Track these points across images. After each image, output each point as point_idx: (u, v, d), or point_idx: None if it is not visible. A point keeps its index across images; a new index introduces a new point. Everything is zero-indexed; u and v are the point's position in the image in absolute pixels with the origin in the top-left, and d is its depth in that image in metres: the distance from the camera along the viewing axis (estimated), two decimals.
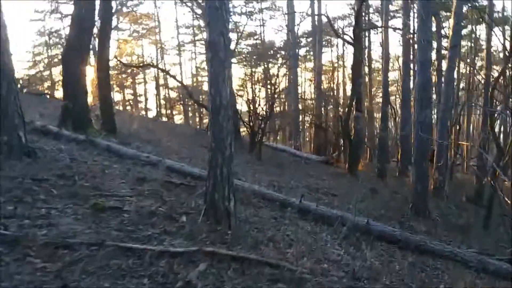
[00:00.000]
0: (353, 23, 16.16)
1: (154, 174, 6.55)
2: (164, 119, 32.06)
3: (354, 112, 14.06)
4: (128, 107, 38.07)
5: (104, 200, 4.82)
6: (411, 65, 17.78)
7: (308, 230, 6.03)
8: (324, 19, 25.68)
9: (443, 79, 14.14)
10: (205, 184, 4.97)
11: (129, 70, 36.23)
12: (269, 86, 15.36)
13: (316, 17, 25.48)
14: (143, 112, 35.94)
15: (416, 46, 17.88)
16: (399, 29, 16.25)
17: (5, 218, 3.71)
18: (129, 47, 35.22)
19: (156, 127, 14.96)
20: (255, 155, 12.59)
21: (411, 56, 17.63)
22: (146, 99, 39.23)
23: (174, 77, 18.44)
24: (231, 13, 26.64)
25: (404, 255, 6.16)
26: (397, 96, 31.20)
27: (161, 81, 35.93)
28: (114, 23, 29.67)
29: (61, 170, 5.51)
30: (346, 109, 14.91)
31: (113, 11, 29.16)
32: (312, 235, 5.83)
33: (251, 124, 13.82)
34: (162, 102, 36.16)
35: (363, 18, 17.84)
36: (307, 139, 34.65)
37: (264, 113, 13.33)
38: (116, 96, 39.05)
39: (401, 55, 17.67)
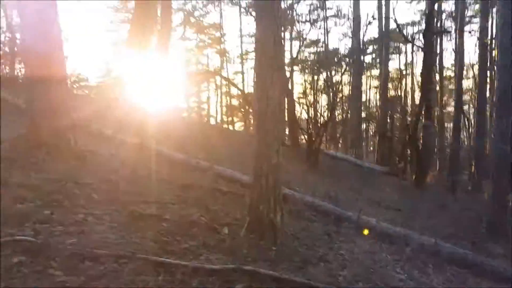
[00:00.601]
0: (423, 28, 15.05)
1: (201, 181, 6.28)
2: (226, 126, 32.41)
3: (423, 120, 13.00)
4: (193, 114, 39.06)
5: (144, 207, 4.60)
6: (488, 72, 16.27)
7: (366, 249, 5.39)
8: (392, 24, 24.65)
9: None
10: (250, 194, 4.57)
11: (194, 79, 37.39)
12: (330, 93, 14.77)
13: (383, 22, 24.36)
14: (205, 119, 36.64)
15: (493, 52, 16.39)
16: (475, 31, 14.85)
17: (38, 223, 3.57)
18: (194, 55, 36.19)
19: (213, 133, 14.91)
20: (312, 164, 12.00)
21: (488, 63, 16.12)
22: (209, 108, 40.08)
23: (233, 83, 18.38)
24: (296, 21, 26.34)
25: (479, 282, 5.31)
26: (471, 105, 28.95)
27: (224, 89, 36.49)
28: (180, 32, 30.92)
29: (107, 174, 5.41)
30: (414, 117, 13.83)
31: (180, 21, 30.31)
32: (370, 255, 5.19)
33: (309, 131, 13.25)
34: (224, 109, 36.70)
35: (435, 22, 16.53)
36: (371, 148, 33.23)
37: (323, 119, 12.70)
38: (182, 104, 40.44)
39: (476, 62, 16.22)
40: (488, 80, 15.45)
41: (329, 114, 12.70)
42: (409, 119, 19.73)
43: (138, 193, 5.08)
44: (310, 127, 13.51)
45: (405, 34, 22.79)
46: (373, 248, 5.50)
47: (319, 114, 13.49)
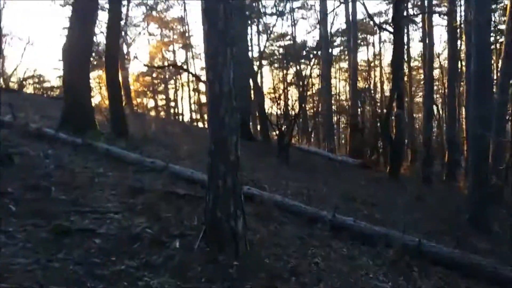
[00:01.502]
0: (392, 15, 14.61)
1: (155, 183, 5.46)
2: (196, 123, 31.44)
3: (395, 109, 12.54)
4: (162, 113, 37.70)
5: (76, 220, 3.76)
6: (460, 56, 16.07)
7: (343, 253, 4.75)
8: (360, 15, 24.34)
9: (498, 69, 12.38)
10: (205, 199, 3.81)
11: (161, 76, 36.09)
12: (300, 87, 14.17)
13: (350, 12, 24.02)
14: (175, 118, 35.45)
15: (462, 36, 16.20)
16: (444, 14, 14.52)
17: None
18: (158, 51, 34.89)
19: (181, 131, 14.00)
20: (283, 159, 11.33)
21: (458, 46, 15.91)
22: (177, 105, 38.86)
23: (197, 76, 17.49)
24: (262, 13, 25.61)
25: (470, 286, 4.76)
26: (438, 95, 29.09)
27: (192, 86, 35.34)
28: (143, 27, 29.63)
29: (36, 180, 4.52)
30: (386, 107, 13.37)
31: (142, 14, 29.04)
32: (348, 261, 4.54)
33: (279, 125, 12.57)
34: (194, 106, 35.58)
35: (403, 6, 16.09)
36: (343, 141, 32.99)
37: (293, 113, 12.04)
38: (150, 103, 38.98)
39: (442, 51, 15.99)
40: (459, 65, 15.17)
41: (298, 108, 12.00)
42: (379, 111, 19.43)
43: (73, 201, 4.23)
44: (280, 121, 12.82)
45: (373, 18, 22.35)
46: (352, 252, 4.85)
47: (289, 108, 12.65)
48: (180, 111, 39.01)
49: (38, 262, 2.86)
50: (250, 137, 16.03)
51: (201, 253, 3.51)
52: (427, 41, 16.04)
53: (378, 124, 17.81)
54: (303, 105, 13.51)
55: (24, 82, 17.67)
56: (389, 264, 4.64)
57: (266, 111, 16.68)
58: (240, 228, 3.69)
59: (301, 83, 14.62)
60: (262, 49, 27.51)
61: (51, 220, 3.57)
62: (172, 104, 38.70)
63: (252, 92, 18.42)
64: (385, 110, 14.72)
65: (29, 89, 20.96)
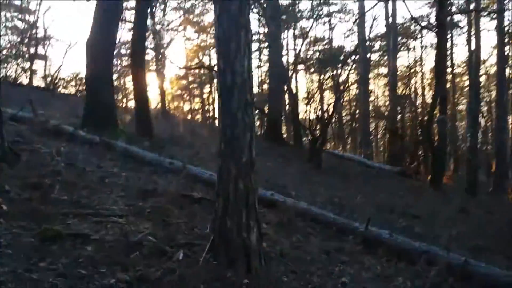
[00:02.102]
0: (436, 12, 13.66)
1: (170, 186, 5.05)
2: None
3: (438, 114, 11.64)
4: (198, 116, 37.81)
5: (72, 223, 3.39)
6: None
7: (376, 272, 4.12)
8: (399, 19, 23.31)
9: None
10: (214, 206, 3.33)
11: (198, 80, 36.24)
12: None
13: (390, 15, 23.06)
14: (209, 121, 35.43)
15: None
16: (494, 12, 13.40)
17: None
18: (195, 55, 35.06)
19: (208, 133, 13.69)
20: (314, 165, 10.72)
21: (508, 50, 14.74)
22: (212, 108, 38.91)
23: None
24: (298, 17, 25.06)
25: None
26: (483, 102, 27.38)
27: None
28: (179, 30, 29.79)
29: (39, 178, 4.20)
30: (429, 110, 12.44)
31: (179, 17, 29.17)
32: (382, 281, 3.93)
33: (311, 129, 11.97)
34: None
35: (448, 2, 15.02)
36: (381, 148, 31.75)
37: (326, 115, 11.41)
38: (186, 106, 39.21)
39: (488, 57, 14.80)
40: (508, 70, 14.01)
41: (332, 110, 11.36)
42: (420, 117, 18.34)
43: (75, 202, 3.87)
44: (314, 125, 12.22)
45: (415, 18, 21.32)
46: (387, 271, 4.22)
47: (323, 112, 12.02)
48: (215, 115, 39.06)
49: (14, 272, 2.48)
50: (282, 142, 15.52)
51: (207, 267, 3.03)
52: (473, 44, 14.94)
53: (419, 130, 16.83)
54: (337, 108, 12.80)
55: (58, 81, 17.93)
56: (430, 286, 3.98)
57: (301, 116, 16.15)
58: (253, 240, 3.18)
59: (335, 85, 13.96)
60: (297, 53, 26.98)
61: (43, 222, 3.20)
62: (207, 107, 38.86)
63: (285, 95, 17.96)
64: (426, 116, 13.76)
65: (69, 90, 21.30)
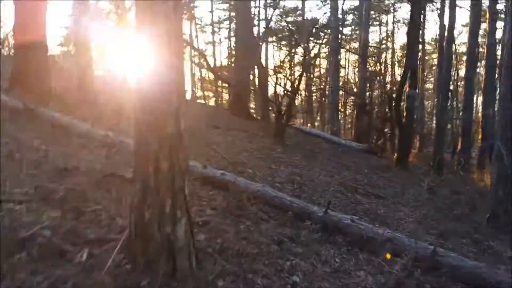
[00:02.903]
0: None
1: (98, 163, 4.28)
2: (201, 101, 30.14)
3: (408, 89, 11.18)
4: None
5: None
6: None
7: (334, 266, 3.57)
8: None
9: None
10: (131, 193, 2.62)
11: None
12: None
13: None
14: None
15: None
16: None
17: None
18: None
19: None
20: (278, 140, 10.11)
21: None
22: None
23: (201, 52, 16.10)
24: None
25: None
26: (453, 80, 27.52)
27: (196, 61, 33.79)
28: None
29: None
30: (398, 85, 11.96)
31: None
32: (342, 276, 3.38)
33: (277, 103, 11.28)
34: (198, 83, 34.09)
35: None
36: (349, 126, 31.61)
37: (292, 89, 10.72)
38: None
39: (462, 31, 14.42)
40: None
41: (298, 83, 10.67)
42: (388, 94, 17.98)
43: None
44: (279, 98, 11.53)
45: None
46: (346, 264, 3.68)
47: (290, 86, 11.29)
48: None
49: None
50: (248, 116, 14.82)
51: (116, 272, 2.35)
52: (446, 18, 14.49)
53: (387, 107, 16.50)
54: (302, 81, 12.13)
55: None
56: (396, 283, 3.47)
57: (271, 91, 15.38)
58: (180, 235, 2.51)
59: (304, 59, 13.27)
60: (268, 23, 25.96)
61: None
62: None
63: (254, 68, 17.14)
64: (395, 91, 13.33)
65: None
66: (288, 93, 10.75)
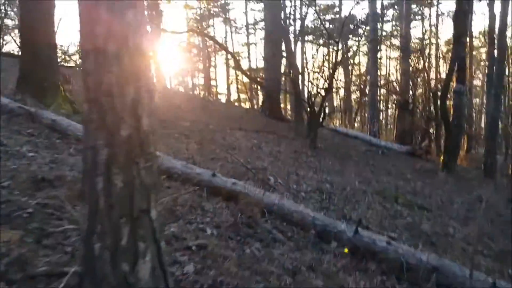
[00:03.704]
0: None
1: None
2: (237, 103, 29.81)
3: (455, 84, 10.04)
4: (201, 92, 36.19)
5: None
6: None
7: None
8: None
9: None
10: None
11: (201, 54, 34.53)
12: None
13: None
14: (216, 97, 33.86)
15: None
16: None
17: None
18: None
19: (193, 107, 12.26)
20: (310, 143, 9.32)
21: None
22: (217, 83, 37.36)
23: (225, 48, 15.60)
24: None
25: None
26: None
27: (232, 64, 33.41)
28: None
29: None
30: (444, 80, 10.80)
31: None
32: None
33: (310, 102, 10.48)
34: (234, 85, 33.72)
35: None
36: (391, 126, 30.07)
37: (323, 86, 9.89)
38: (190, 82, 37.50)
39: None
40: None
41: (330, 80, 9.82)
42: (433, 91, 16.64)
43: None
44: (312, 97, 10.72)
45: None
46: None
47: (326, 84, 10.42)
48: (219, 91, 37.55)
49: None
50: (280, 117, 14.12)
51: None
52: (497, 9, 13.09)
53: (432, 105, 15.27)
54: (341, 80, 11.20)
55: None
56: None
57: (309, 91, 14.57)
58: (143, 276, 1.84)
59: (336, 55, 12.31)
60: (303, 21, 25.17)
61: None
62: (213, 83, 37.14)
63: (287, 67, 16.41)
64: (440, 87, 12.15)
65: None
66: (321, 91, 9.93)
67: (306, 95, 12.72)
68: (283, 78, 16.81)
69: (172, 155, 5.01)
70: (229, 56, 24.96)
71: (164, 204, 3.38)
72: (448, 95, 11.45)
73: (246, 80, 28.12)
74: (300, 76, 18.72)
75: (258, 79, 16.14)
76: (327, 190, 5.63)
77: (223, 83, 37.10)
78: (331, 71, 9.84)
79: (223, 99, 33.49)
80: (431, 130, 16.44)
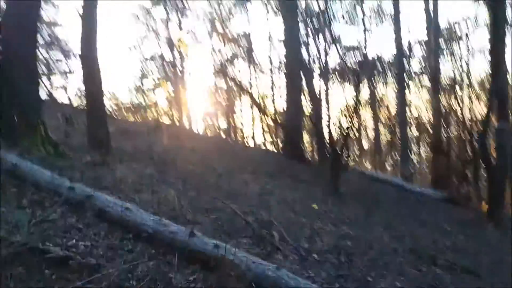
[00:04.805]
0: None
1: (34, 228, 2.89)
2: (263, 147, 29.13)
3: (496, 122, 8.87)
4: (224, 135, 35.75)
5: None
6: None
7: None
8: (443, 23, 20.78)
9: None
10: None
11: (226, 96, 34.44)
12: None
13: (432, 18, 20.34)
14: (240, 139, 33.26)
15: None
16: None
17: None
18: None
19: (213, 149, 11.53)
20: (332, 188, 8.27)
21: None
22: (242, 126, 36.88)
23: (246, 91, 15.03)
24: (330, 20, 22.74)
25: None
26: None
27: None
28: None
29: None
30: (484, 118, 9.60)
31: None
32: None
33: (332, 143, 9.50)
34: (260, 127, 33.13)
35: None
36: (425, 169, 28.32)
37: (346, 125, 8.93)
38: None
39: None
40: None
41: (351, 118, 8.87)
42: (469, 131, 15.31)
43: None
44: (334, 138, 9.74)
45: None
46: None
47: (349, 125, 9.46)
48: (246, 134, 37.00)
49: None
50: (301, 159, 13.13)
51: None
52: None
53: (469, 146, 13.93)
54: (357, 117, 10.24)
55: None
56: None
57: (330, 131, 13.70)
58: None
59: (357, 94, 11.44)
60: (325, 59, 24.63)
61: None
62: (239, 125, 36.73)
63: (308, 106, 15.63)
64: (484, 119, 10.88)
65: None
66: (343, 130, 8.98)
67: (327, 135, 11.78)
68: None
69: (154, 206, 4.15)
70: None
71: (113, 277, 2.48)
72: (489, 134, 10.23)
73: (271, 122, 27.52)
74: (323, 116, 17.87)
75: (279, 120, 15.38)
76: (347, 249, 4.56)
77: (249, 126, 36.58)
78: (353, 108, 8.91)
79: (250, 142, 32.88)
80: (468, 174, 14.99)
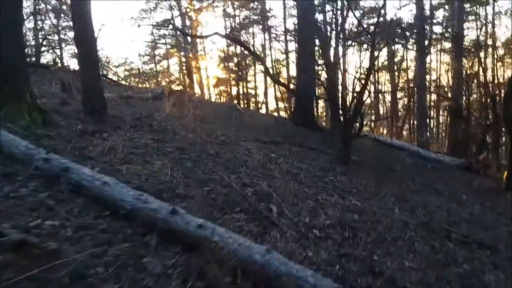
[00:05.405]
0: None
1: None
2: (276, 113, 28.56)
3: None
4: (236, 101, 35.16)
5: None
6: None
7: None
8: None
9: None
10: None
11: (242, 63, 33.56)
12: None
13: None
14: (254, 107, 32.70)
15: None
16: None
17: None
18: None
19: (222, 116, 11.15)
20: (342, 156, 7.87)
21: None
22: (256, 93, 36.16)
23: (252, 52, 14.46)
24: None
25: None
26: None
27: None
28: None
29: None
30: (508, 80, 8.95)
31: None
32: None
33: (346, 108, 8.98)
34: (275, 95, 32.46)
35: None
36: (443, 135, 27.51)
37: (359, 89, 8.39)
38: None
39: None
40: None
41: (365, 81, 8.31)
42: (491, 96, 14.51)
43: None
44: (347, 103, 9.22)
45: None
46: None
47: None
48: (261, 100, 36.36)
49: None
50: (314, 126, 12.68)
51: None
52: None
53: (490, 111, 13.24)
54: (371, 81, 9.63)
55: None
56: None
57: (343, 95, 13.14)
58: None
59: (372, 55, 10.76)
60: (343, 25, 23.56)
61: None
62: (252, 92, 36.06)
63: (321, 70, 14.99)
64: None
65: None
66: (355, 94, 8.45)
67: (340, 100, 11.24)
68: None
69: (141, 179, 3.84)
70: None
71: (75, 264, 2.19)
72: None
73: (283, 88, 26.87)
74: (338, 81, 17.23)
75: (290, 85, 14.80)
76: (353, 224, 4.23)
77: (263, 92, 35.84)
78: (366, 71, 8.33)
79: (263, 109, 32.30)
80: (488, 140, 14.34)
